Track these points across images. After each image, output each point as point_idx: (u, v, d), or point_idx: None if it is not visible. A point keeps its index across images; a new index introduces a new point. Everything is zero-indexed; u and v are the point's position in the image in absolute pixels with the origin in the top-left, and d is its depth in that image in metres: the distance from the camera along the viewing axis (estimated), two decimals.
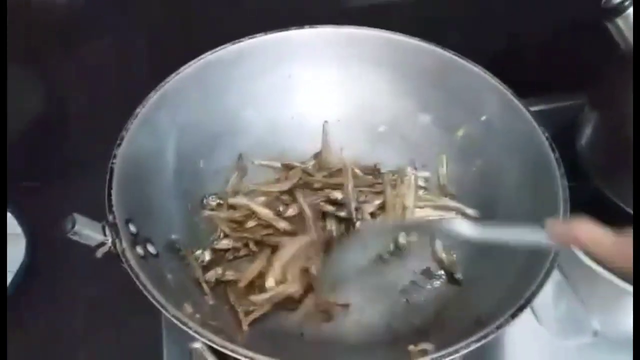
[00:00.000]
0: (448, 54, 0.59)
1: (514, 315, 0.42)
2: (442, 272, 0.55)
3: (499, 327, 0.42)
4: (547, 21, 0.72)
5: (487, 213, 0.56)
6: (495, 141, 0.57)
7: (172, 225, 0.54)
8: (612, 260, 0.35)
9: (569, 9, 0.67)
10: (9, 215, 0.63)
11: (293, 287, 0.51)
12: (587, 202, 0.59)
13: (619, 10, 0.55)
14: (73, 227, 0.43)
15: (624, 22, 0.56)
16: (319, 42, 0.62)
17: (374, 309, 0.52)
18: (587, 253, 0.37)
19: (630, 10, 0.55)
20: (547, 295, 0.54)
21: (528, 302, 0.43)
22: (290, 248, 0.53)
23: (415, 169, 0.61)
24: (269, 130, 0.63)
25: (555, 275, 0.56)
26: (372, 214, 0.58)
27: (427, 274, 0.55)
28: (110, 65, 0.69)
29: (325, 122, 0.64)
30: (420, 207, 0.59)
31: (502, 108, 0.57)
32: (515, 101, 0.56)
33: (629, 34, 0.56)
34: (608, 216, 0.54)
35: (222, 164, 0.61)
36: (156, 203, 0.53)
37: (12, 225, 0.62)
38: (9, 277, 0.59)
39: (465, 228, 0.44)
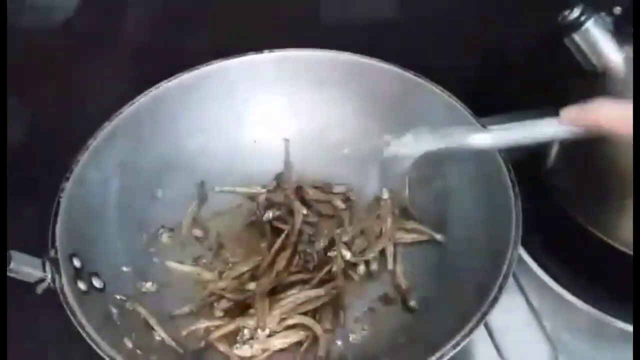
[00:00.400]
0: (408, 75, 0.59)
1: (455, 346, 0.41)
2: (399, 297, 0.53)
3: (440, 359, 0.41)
4: (515, 38, 0.71)
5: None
6: (455, 163, 0.56)
7: (123, 258, 0.53)
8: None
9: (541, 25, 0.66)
10: None
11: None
12: (552, 221, 0.58)
13: (575, 26, 0.54)
14: (9, 265, 0.43)
15: (582, 38, 0.54)
16: (276, 66, 0.62)
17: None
18: (610, 134, 0.35)
19: (588, 25, 0.54)
20: (509, 325, 0.53)
21: (471, 330, 0.41)
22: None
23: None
24: (231, 156, 0.63)
25: (521, 305, 0.55)
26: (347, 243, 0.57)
27: (385, 299, 0.53)
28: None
29: (286, 140, 0.64)
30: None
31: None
32: (474, 122, 0.55)
33: (588, 50, 0.55)
34: (573, 237, 0.53)
35: (181, 193, 0.60)
36: (106, 236, 0.53)
37: None
38: None
39: (483, 138, 0.43)
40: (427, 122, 0.57)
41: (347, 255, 0.55)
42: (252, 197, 0.61)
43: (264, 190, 0.61)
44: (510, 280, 0.45)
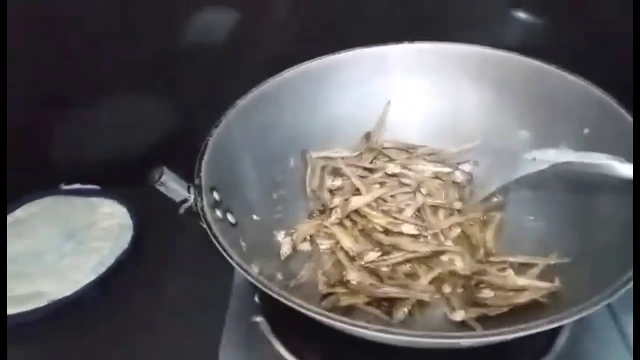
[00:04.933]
0: (547, 67, 0.58)
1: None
2: None
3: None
4: None
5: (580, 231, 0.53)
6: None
7: (255, 208, 0.56)
8: None
9: None
10: (121, 207, 0.69)
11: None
12: None
13: None
14: (160, 178, 0.47)
15: None
16: (416, 58, 0.64)
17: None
18: None
19: None
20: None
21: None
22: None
23: None
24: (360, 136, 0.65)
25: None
26: None
27: None
28: None
29: (388, 102, 0.65)
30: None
31: (605, 119, 0.54)
32: (619, 110, 0.53)
33: None
34: None
35: None
36: (243, 185, 0.56)
37: (125, 216, 0.69)
38: (112, 259, 0.64)
39: (625, 170, 0.45)
40: (566, 113, 0.57)
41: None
42: None
43: (355, 154, 0.64)
44: None
